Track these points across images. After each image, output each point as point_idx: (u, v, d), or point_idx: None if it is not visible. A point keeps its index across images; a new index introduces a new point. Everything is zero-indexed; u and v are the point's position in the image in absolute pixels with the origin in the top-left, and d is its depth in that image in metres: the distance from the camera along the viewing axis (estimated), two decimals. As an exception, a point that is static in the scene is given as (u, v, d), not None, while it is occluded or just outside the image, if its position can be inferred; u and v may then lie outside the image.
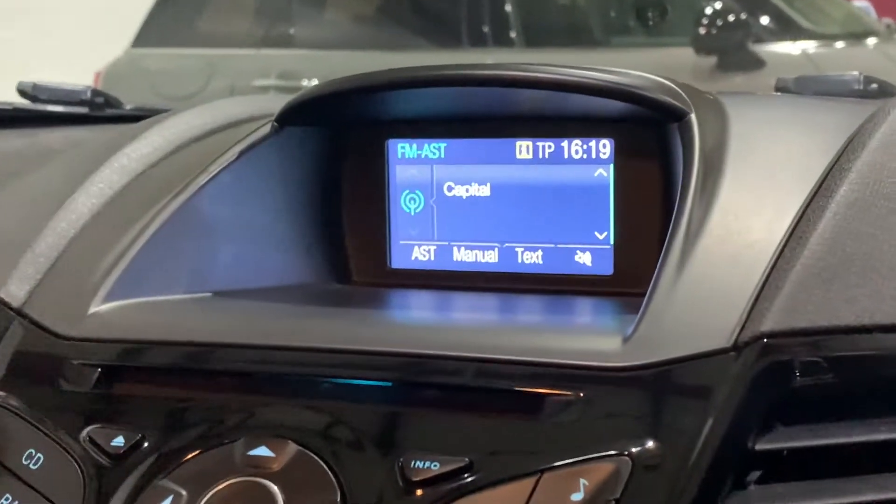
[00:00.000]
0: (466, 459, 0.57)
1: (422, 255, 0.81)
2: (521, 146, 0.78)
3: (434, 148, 0.80)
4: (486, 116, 0.79)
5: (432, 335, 0.64)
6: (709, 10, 3.24)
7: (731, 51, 3.18)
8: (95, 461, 0.63)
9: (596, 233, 0.77)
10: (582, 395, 0.57)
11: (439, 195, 0.80)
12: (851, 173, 0.64)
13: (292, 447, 0.60)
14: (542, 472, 0.56)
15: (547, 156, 0.77)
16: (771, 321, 0.57)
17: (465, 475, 0.57)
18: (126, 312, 0.70)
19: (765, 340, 0.57)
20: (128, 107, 1.28)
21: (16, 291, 0.72)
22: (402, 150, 0.81)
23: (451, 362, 0.61)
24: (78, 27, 4.22)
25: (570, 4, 3.97)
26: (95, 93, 1.23)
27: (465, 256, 0.80)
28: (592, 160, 0.76)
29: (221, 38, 3.70)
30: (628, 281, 0.75)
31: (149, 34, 3.70)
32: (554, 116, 0.77)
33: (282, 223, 0.80)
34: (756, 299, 0.59)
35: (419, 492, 0.57)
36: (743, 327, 0.57)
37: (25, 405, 0.66)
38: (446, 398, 0.61)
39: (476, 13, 3.51)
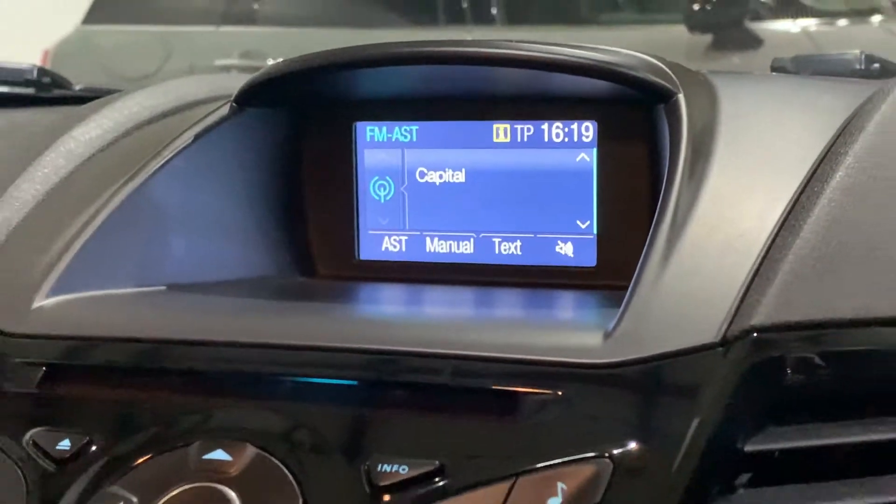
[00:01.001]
0: (437, 463, 0.57)
1: (392, 245, 0.81)
2: (498, 129, 0.78)
3: (405, 131, 0.80)
4: (461, 97, 0.79)
5: (402, 331, 0.64)
6: (703, -15, 3.24)
7: (727, 28, 3.19)
8: (39, 466, 0.63)
9: (578, 222, 0.77)
10: (560, 393, 0.58)
11: (411, 181, 0.80)
12: (848, 158, 0.65)
13: (251, 450, 0.60)
14: (518, 475, 0.56)
15: (526, 139, 0.77)
16: (762, 314, 0.57)
17: (436, 479, 0.57)
18: (72, 307, 0.70)
19: (755, 335, 0.57)
20: (77, 87, 1.27)
21: None
22: (371, 132, 0.81)
23: (421, 359, 0.61)
24: (25, 1, 4.19)
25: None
26: (42, 72, 1.22)
27: (438, 247, 0.80)
28: (574, 144, 0.77)
29: (180, 15, 3.68)
30: (612, 273, 0.75)
31: (101, 10, 3.68)
32: (534, 97, 0.77)
33: (241, 212, 0.80)
34: (746, 291, 0.59)
35: (386, 497, 0.57)
36: (732, 321, 0.58)
37: None
38: (416, 398, 0.61)
39: (454, -13, 3.50)
